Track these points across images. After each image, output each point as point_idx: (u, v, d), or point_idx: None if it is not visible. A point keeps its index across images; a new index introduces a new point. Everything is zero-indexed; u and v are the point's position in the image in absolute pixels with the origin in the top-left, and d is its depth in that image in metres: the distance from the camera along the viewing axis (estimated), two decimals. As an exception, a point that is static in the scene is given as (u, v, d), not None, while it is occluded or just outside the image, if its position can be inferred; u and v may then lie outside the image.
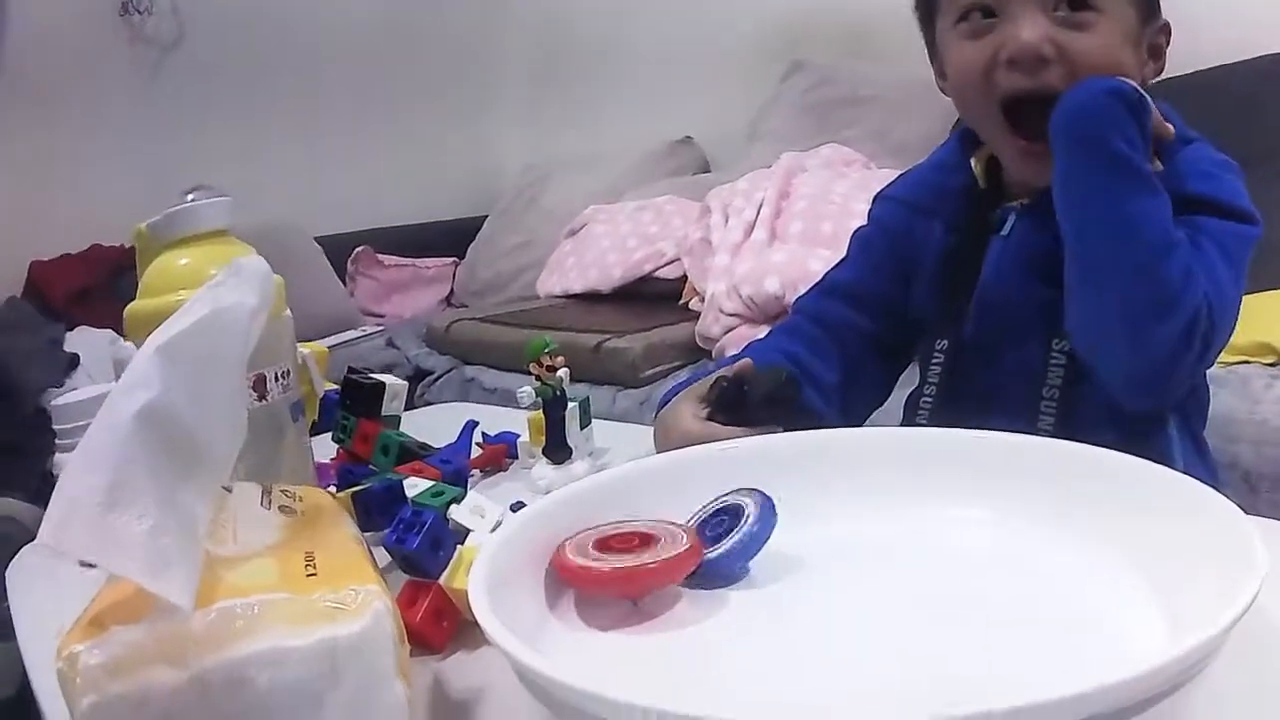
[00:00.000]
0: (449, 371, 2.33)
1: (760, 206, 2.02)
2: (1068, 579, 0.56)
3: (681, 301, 2.10)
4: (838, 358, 0.97)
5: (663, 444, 0.85)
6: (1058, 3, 0.83)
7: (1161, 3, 0.89)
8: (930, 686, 0.45)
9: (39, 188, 2.78)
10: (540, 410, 0.88)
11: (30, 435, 2.23)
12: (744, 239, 1.98)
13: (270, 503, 0.51)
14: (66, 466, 0.40)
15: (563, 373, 0.87)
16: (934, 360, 0.95)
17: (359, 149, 3.49)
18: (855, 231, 1.05)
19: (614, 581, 0.55)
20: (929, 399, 0.95)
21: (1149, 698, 0.37)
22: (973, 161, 0.96)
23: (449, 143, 3.70)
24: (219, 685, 0.39)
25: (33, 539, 1.60)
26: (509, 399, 2.12)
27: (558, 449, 0.86)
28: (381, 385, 0.86)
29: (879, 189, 1.06)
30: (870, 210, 1.05)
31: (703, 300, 1.95)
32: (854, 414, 0.98)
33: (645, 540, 0.58)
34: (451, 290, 3.48)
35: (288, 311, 0.70)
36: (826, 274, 1.04)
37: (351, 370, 0.89)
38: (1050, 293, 0.86)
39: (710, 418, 0.83)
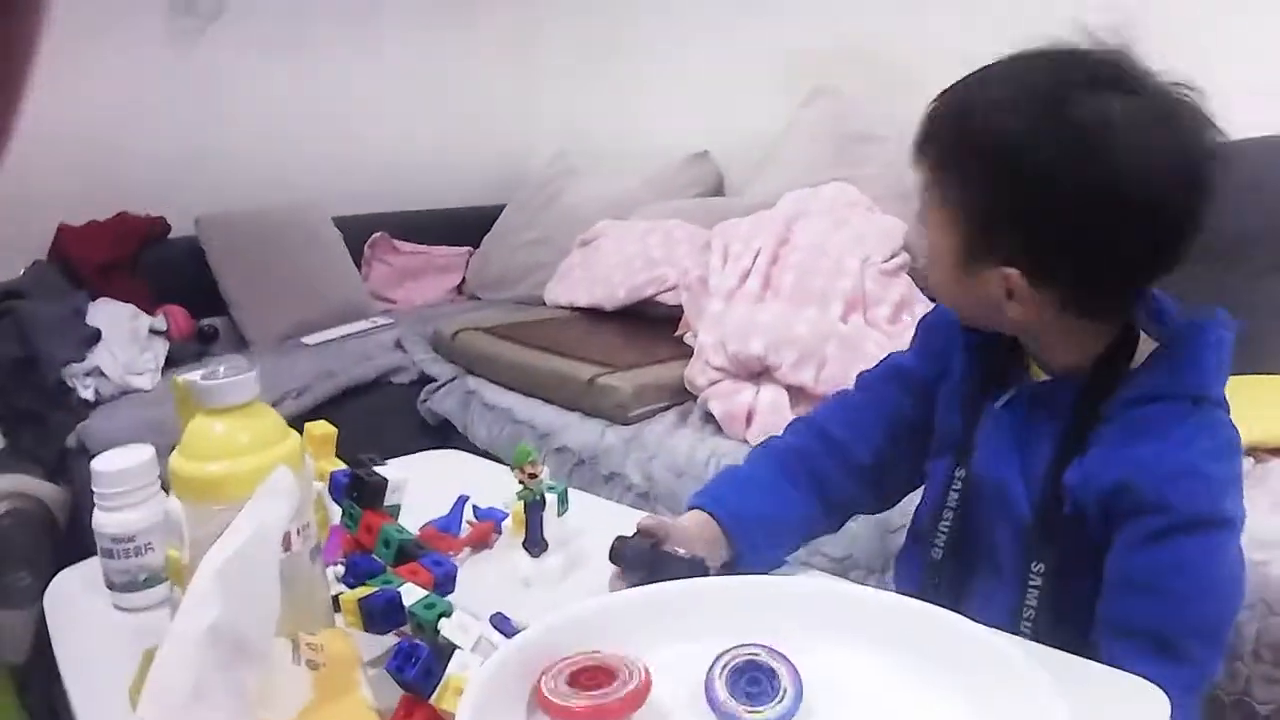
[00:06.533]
0: (452, 380, 2.40)
1: (757, 255, 2.12)
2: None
3: (677, 333, 2.20)
4: (880, 438, 1.03)
5: None
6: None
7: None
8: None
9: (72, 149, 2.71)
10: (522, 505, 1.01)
11: (51, 407, 2.31)
12: (738, 285, 2.07)
13: (299, 658, 0.63)
14: (160, 660, 0.53)
15: (544, 472, 0.99)
16: (954, 487, 0.97)
17: (395, 128, 3.55)
18: (922, 319, 1.08)
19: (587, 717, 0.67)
20: (946, 525, 0.97)
21: None
22: None
23: (484, 121, 3.76)
24: None
25: (51, 517, 1.72)
26: (506, 417, 2.19)
27: (535, 544, 0.99)
28: (384, 482, 0.98)
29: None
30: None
31: (695, 336, 2.05)
32: (887, 495, 1.06)
33: (610, 675, 0.70)
34: (464, 279, 3.52)
35: (308, 461, 0.79)
36: (889, 356, 1.08)
37: (358, 463, 1.00)
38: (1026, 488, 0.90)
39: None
